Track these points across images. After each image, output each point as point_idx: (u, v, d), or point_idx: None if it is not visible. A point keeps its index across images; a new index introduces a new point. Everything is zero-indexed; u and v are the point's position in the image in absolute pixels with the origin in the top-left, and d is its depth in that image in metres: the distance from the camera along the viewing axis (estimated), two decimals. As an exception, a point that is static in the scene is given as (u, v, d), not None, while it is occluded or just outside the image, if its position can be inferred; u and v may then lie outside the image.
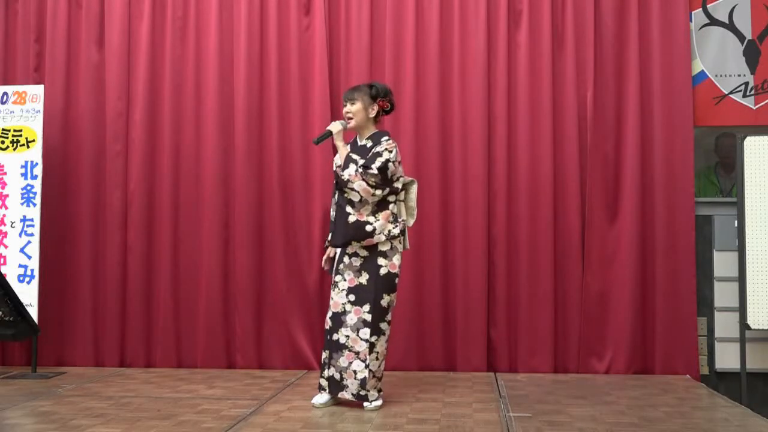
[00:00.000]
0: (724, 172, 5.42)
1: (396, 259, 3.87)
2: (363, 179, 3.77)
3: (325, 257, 4.08)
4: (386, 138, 3.93)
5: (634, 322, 4.91)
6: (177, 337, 5.17)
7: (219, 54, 5.23)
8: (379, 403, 3.84)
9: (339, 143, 3.92)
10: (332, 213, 4.04)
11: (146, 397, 4.18)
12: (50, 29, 5.33)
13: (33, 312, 4.86)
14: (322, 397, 3.90)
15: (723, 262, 4.98)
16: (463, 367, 4.97)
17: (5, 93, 5.13)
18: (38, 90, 5.10)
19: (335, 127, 3.93)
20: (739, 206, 4.75)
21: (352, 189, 3.79)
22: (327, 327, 3.90)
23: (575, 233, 4.98)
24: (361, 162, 3.83)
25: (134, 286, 5.19)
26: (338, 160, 4.00)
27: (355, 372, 3.79)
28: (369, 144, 3.94)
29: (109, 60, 5.29)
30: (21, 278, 4.96)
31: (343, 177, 3.80)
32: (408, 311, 4.98)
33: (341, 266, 3.90)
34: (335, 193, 4.00)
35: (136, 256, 5.20)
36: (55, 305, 5.21)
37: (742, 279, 4.71)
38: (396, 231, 3.85)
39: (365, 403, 3.82)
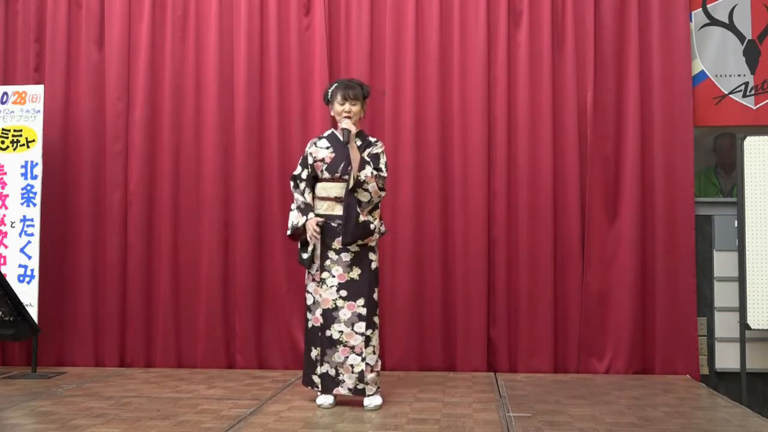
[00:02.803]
0: (724, 173, 5.42)
1: (378, 254, 4.00)
2: (375, 181, 3.85)
3: (314, 224, 3.90)
4: (376, 139, 4.08)
5: (634, 322, 4.91)
6: (177, 337, 5.17)
7: (219, 54, 5.23)
8: (378, 401, 3.85)
9: (353, 144, 3.91)
10: (302, 199, 3.96)
11: (146, 397, 4.18)
12: (50, 29, 5.33)
13: (33, 312, 4.86)
14: (328, 398, 3.89)
15: (723, 262, 4.99)
16: (463, 367, 4.97)
17: (5, 93, 5.13)
18: (38, 90, 5.10)
19: (353, 127, 3.92)
20: (739, 206, 4.75)
21: (366, 190, 3.84)
22: (318, 324, 3.90)
23: (575, 233, 4.98)
24: (372, 164, 3.88)
25: (134, 286, 5.19)
26: (318, 153, 3.98)
27: (351, 366, 3.82)
28: (359, 143, 3.98)
29: (109, 60, 5.28)
30: (21, 278, 4.96)
31: (360, 178, 3.82)
32: (408, 311, 4.98)
33: (327, 262, 3.91)
34: (298, 185, 3.99)
35: (136, 256, 5.19)
36: (55, 305, 5.21)
37: (742, 279, 4.71)
38: (383, 228, 4.02)
39: (365, 402, 3.82)
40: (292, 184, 4.07)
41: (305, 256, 3.95)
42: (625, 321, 4.90)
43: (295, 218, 3.99)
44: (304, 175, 4.02)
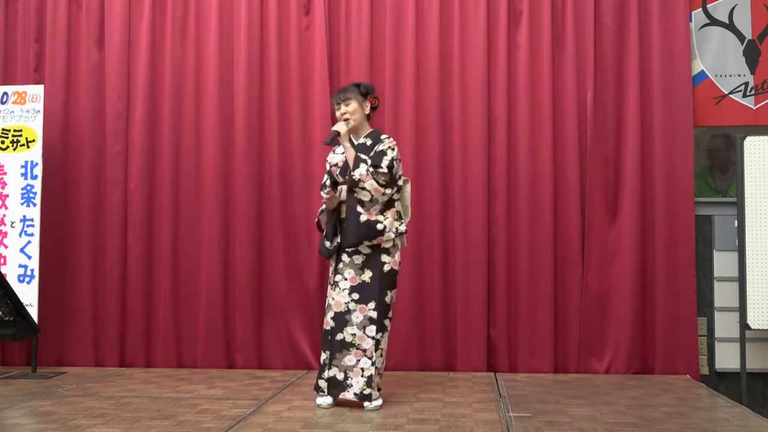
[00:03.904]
0: (719, 173, 5.41)
1: (397, 256, 3.92)
2: (374, 179, 3.80)
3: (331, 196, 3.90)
4: (386, 136, 3.99)
5: (634, 322, 4.91)
6: (177, 337, 5.17)
7: (219, 54, 5.23)
8: (379, 402, 3.84)
9: (346, 144, 3.91)
10: (323, 208, 4.00)
11: (146, 397, 4.18)
12: (50, 29, 5.33)
13: (33, 312, 4.86)
14: (326, 399, 3.89)
15: (723, 262, 4.99)
16: (463, 367, 4.97)
17: (5, 93, 5.13)
18: (38, 90, 5.10)
19: (342, 128, 3.91)
20: (739, 206, 4.75)
21: (364, 189, 3.81)
22: (328, 328, 3.89)
23: (575, 233, 4.98)
24: (370, 162, 3.84)
25: (134, 286, 5.19)
26: (333, 159, 4.01)
27: (362, 369, 3.80)
28: (369, 142, 3.95)
29: (109, 60, 5.29)
30: (21, 278, 4.96)
31: (354, 177, 3.81)
32: (408, 311, 4.98)
33: (340, 265, 3.90)
34: (324, 188, 3.99)
35: (136, 256, 5.20)
36: (55, 305, 5.21)
37: (742, 279, 4.71)
38: (402, 228, 3.92)
39: (365, 403, 3.82)
40: (321, 192, 4.05)
41: (327, 244, 3.92)
42: (625, 321, 4.90)
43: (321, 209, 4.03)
44: (328, 183, 4.01)
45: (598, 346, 4.95)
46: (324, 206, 3.99)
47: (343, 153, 3.98)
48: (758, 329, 4.70)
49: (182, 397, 4.18)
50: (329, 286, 3.96)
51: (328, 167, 4.05)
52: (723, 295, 4.98)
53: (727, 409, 3.92)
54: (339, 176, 3.95)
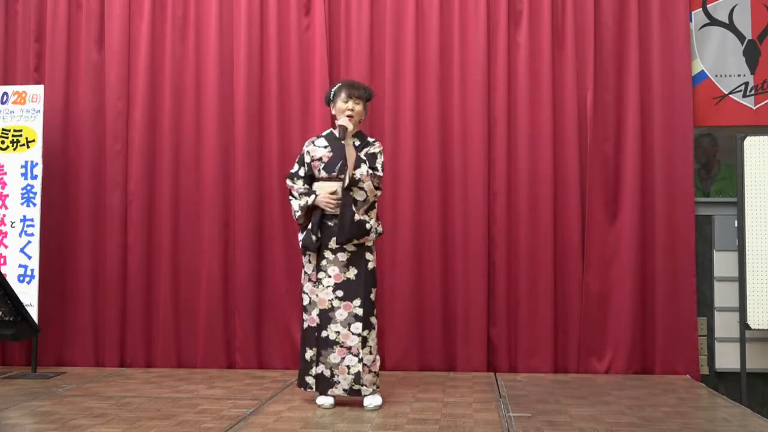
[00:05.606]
0: (705, 173, 5.40)
1: (375, 254, 4.00)
2: (371, 180, 3.83)
3: (327, 193, 3.90)
4: (374, 139, 4.07)
5: (634, 322, 4.91)
6: (177, 337, 5.17)
7: (219, 54, 5.23)
8: (378, 401, 3.85)
9: (349, 141, 3.91)
10: (302, 187, 3.98)
11: (146, 397, 4.18)
12: (50, 29, 5.33)
13: (33, 312, 4.86)
14: (328, 399, 3.89)
15: (723, 262, 4.99)
16: (463, 367, 4.97)
17: (5, 93, 5.13)
18: (38, 90, 5.10)
19: (348, 124, 3.89)
20: (739, 206, 4.75)
21: (362, 189, 3.83)
22: (314, 324, 3.90)
23: (575, 233, 4.98)
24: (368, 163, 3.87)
25: (134, 286, 5.19)
26: (316, 152, 3.99)
27: (348, 367, 3.81)
28: (357, 143, 3.97)
29: (109, 60, 5.29)
30: (21, 278, 4.96)
31: (355, 176, 3.81)
32: (408, 311, 4.98)
33: (323, 262, 3.90)
34: (295, 181, 4.00)
35: (136, 256, 5.20)
36: (55, 305, 5.21)
37: (742, 279, 4.71)
38: (380, 229, 4.02)
39: (365, 402, 3.82)
40: (288, 181, 4.08)
41: (314, 239, 3.88)
42: (625, 321, 4.90)
43: (301, 201, 3.97)
44: (301, 173, 4.04)
45: (598, 346, 4.95)
46: (294, 201, 3.99)
47: (325, 147, 3.98)
48: (758, 329, 4.70)
49: (182, 397, 4.18)
50: (309, 283, 3.95)
51: (308, 159, 4.01)
52: (723, 295, 4.98)
53: (727, 409, 3.92)
54: (323, 171, 3.95)
